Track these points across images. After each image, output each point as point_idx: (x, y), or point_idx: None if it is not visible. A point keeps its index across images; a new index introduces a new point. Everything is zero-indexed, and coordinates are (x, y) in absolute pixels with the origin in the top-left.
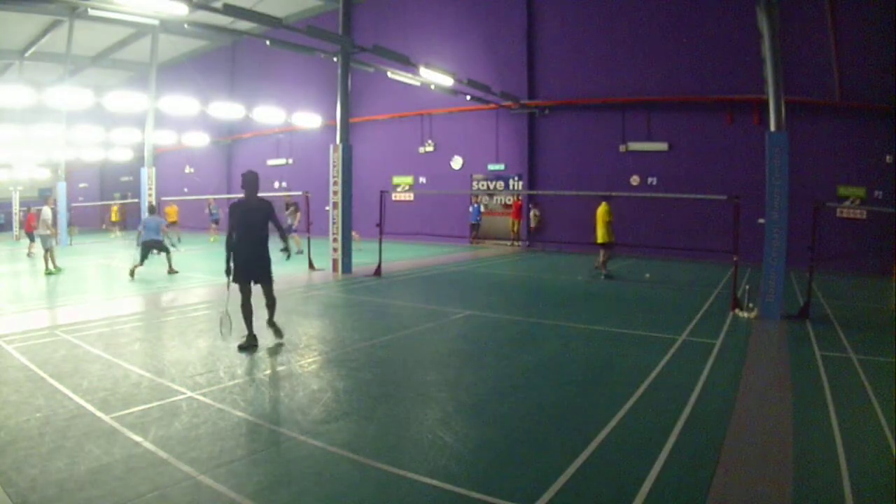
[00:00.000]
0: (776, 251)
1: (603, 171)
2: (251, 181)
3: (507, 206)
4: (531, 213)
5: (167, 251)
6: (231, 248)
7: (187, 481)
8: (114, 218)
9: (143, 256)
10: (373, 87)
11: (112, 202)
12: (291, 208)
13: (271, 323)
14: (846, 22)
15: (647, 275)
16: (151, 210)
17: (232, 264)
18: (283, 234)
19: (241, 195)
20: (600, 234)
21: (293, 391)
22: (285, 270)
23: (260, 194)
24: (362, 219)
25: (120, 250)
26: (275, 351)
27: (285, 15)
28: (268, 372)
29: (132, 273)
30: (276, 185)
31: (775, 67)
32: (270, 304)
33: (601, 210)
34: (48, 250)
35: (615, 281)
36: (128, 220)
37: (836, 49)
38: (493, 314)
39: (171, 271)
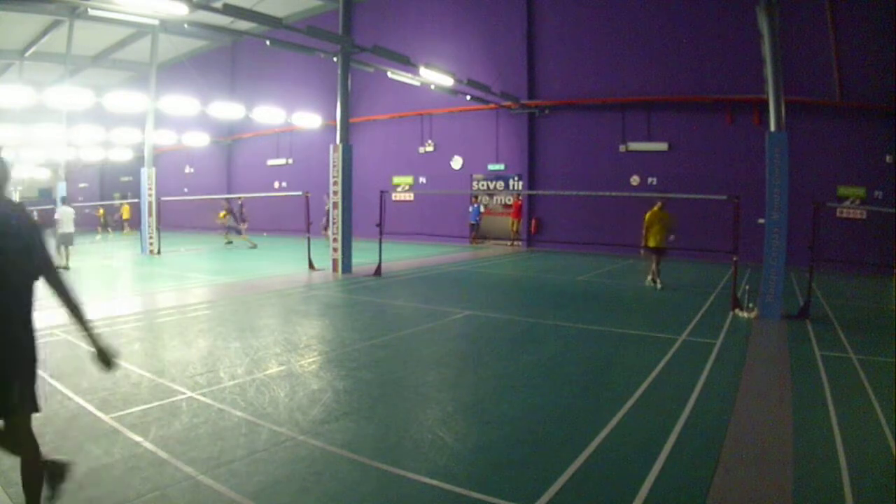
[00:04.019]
0: (776, 251)
1: (603, 171)
2: None
3: (507, 205)
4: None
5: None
6: None
7: (187, 481)
8: (125, 216)
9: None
10: (373, 87)
11: (119, 202)
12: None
13: None
14: (846, 22)
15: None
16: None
17: None
18: (69, 297)
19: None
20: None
21: (293, 391)
22: (285, 270)
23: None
24: (362, 219)
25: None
26: None
27: (285, 15)
28: (268, 372)
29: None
30: (277, 185)
31: (775, 67)
32: (29, 465)
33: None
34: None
35: (615, 283)
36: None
37: (836, 49)
38: (493, 314)
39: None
